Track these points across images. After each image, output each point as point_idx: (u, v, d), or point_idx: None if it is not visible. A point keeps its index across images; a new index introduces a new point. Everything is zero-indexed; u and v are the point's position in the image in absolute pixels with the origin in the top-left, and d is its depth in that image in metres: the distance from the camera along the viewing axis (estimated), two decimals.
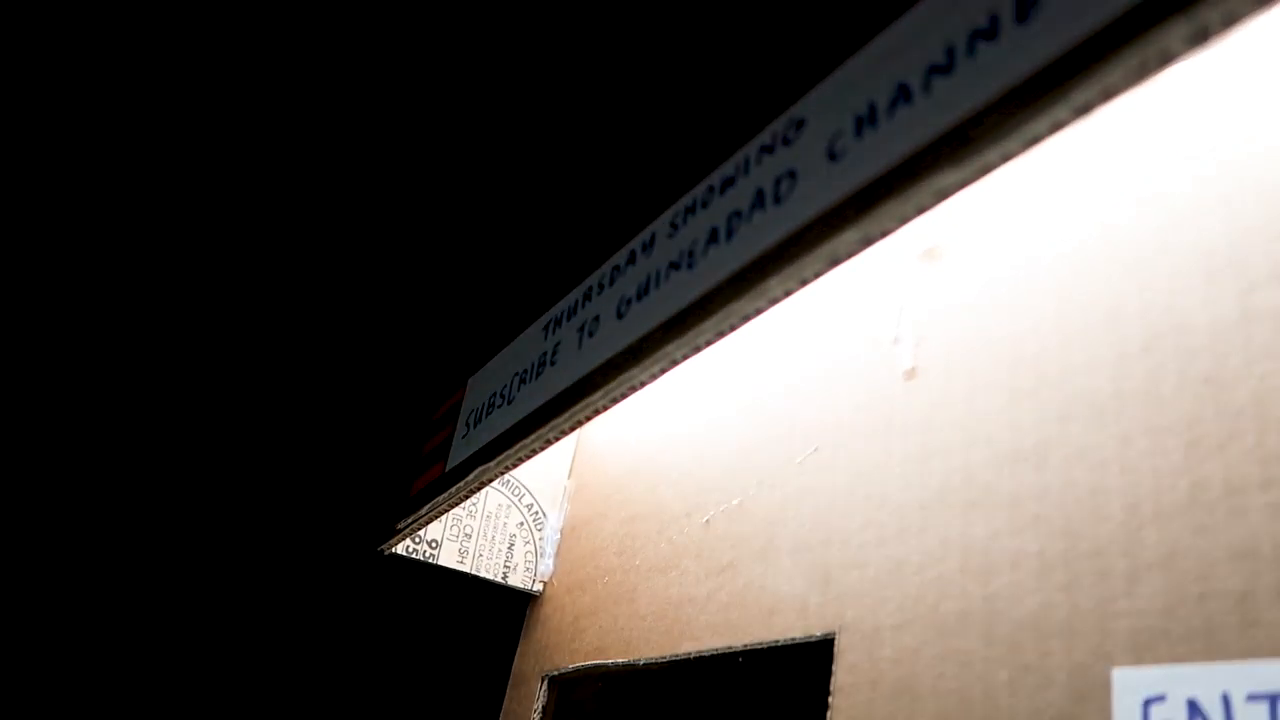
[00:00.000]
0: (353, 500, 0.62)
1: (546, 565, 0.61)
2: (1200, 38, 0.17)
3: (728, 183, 0.30)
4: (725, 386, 0.50)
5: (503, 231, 0.59)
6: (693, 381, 0.54)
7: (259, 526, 0.61)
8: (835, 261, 0.24)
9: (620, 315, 0.33)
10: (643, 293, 0.32)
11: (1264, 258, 0.27)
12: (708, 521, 0.47)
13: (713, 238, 0.29)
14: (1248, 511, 0.25)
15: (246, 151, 0.57)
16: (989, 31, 0.21)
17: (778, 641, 0.39)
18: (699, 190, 0.31)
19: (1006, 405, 0.33)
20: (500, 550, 0.60)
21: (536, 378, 0.38)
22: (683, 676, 0.46)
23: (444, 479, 0.45)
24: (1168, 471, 0.27)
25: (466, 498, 0.45)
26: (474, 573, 0.58)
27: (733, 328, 0.28)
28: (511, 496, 0.61)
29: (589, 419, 0.35)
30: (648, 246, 0.33)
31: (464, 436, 0.45)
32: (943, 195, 0.22)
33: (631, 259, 0.34)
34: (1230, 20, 0.17)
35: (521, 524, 0.61)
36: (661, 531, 0.50)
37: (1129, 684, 0.26)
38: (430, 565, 0.57)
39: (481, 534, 0.59)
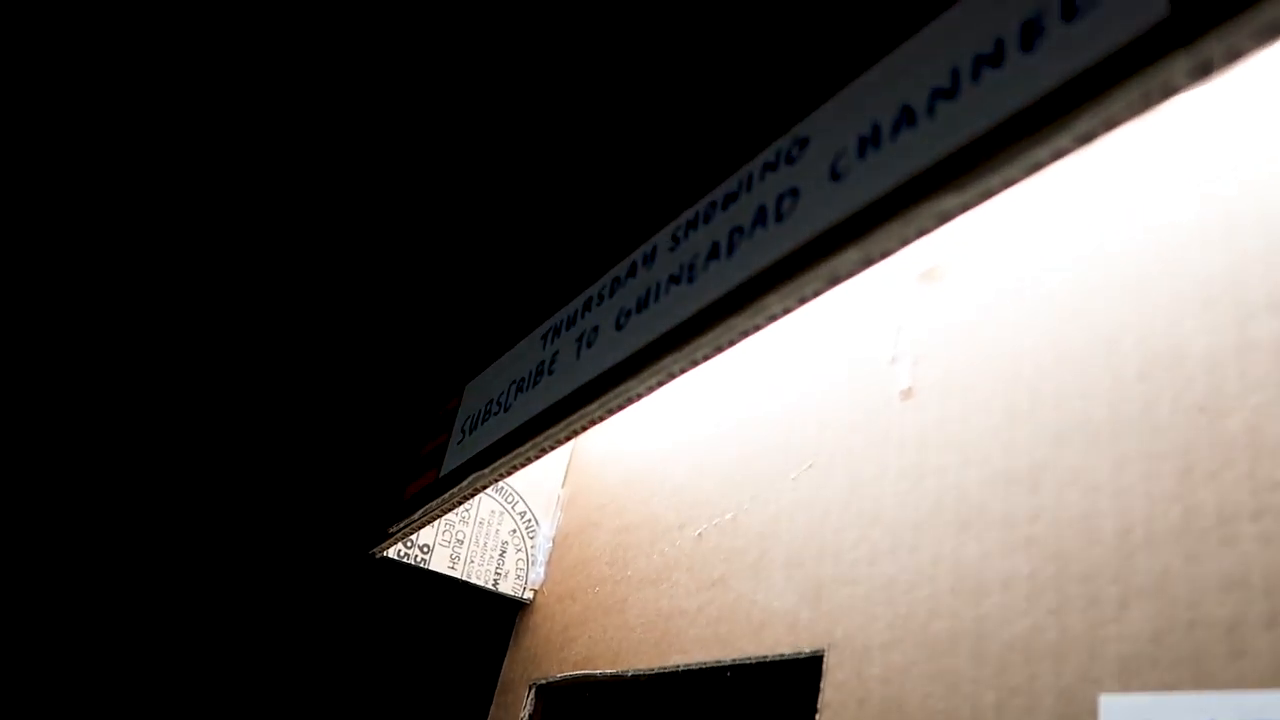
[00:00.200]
0: (345, 503, 0.62)
1: (537, 573, 0.61)
2: (1203, 71, 0.17)
3: (730, 198, 0.30)
4: (722, 401, 0.51)
5: (503, 239, 0.59)
6: (689, 395, 0.54)
7: (250, 528, 0.61)
8: (835, 280, 0.25)
9: (619, 327, 0.33)
10: (642, 305, 0.32)
11: (1261, 287, 0.27)
12: (700, 534, 0.47)
13: (714, 253, 0.29)
14: (1239, 540, 0.25)
15: (245, 158, 0.57)
16: (994, 58, 0.21)
17: (766, 657, 0.39)
18: (701, 205, 0.31)
19: (1002, 427, 0.33)
20: (492, 557, 0.60)
21: (533, 386, 0.39)
22: (671, 689, 0.46)
23: (437, 484, 0.45)
24: (1160, 498, 0.27)
25: (460, 504, 0.45)
26: (465, 579, 0.58)
27: (731, 343, 0.28)
28: (505, 504, 0.61)
29: (585, 429, 0.35)
30: (649, 259, 0.33)
31: (459, 443, 0.45)
32: (944, 218, 0.22)
33: (632, 271, 0.34)
34: (1233, 55, 0.17)
35: (514, 531, 0.61)
36: (654, 543, 0.50)
37: (1116, 711, 0.26)
38: (421, 570, 0.57)
39: (473, 540, 0.59)
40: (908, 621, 0.33)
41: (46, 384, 0.57)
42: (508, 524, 0.61)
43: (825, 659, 0.36)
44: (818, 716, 0.35)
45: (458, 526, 0.59)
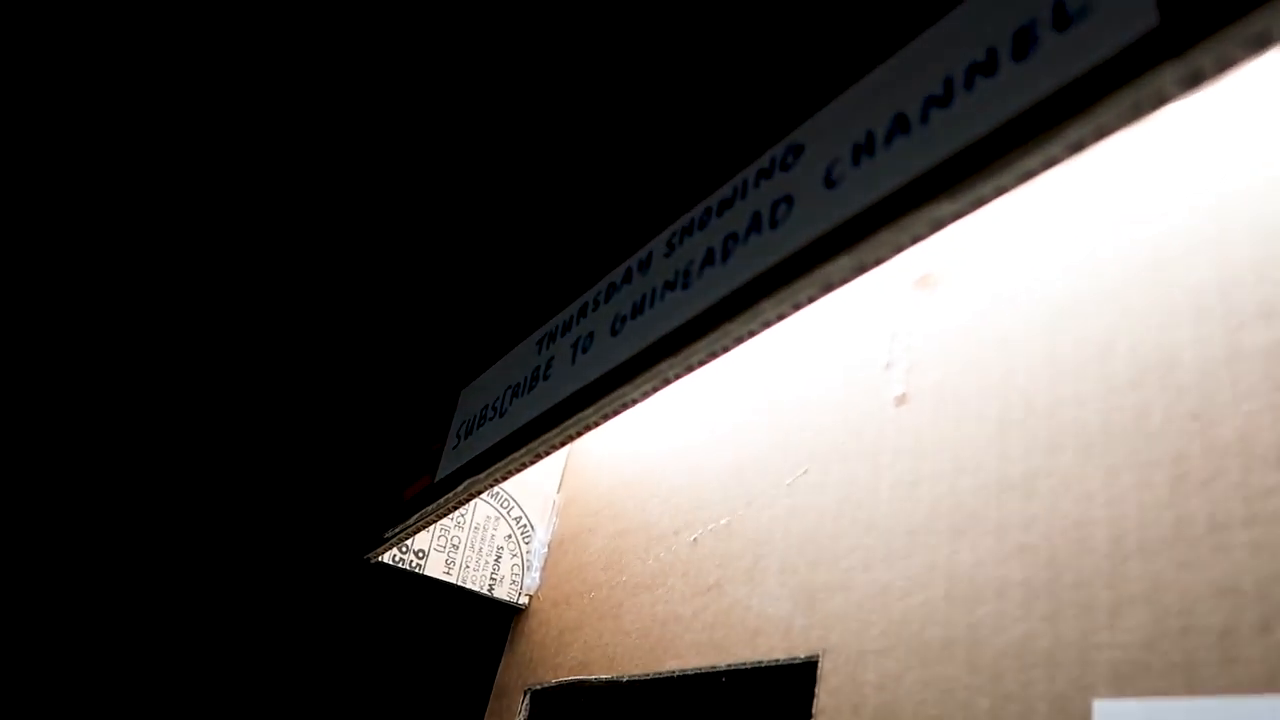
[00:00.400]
0: (340, 508, 0.62)
1: (533, 579, 0.61)
2: (1193, 81, 0.17)
3: (725, 205, 0.30)
4: (717, 406, 0.51)
5: (498, 245, 0.59)
6: (685, 400, 0.54)
7: (246, 533, 0.61)
8: (829, 287, 0.25)
9: (615, 332, 0.33)
10: (638, 311, 0.32)
11: (1252, 297, 0.27)
12: (695, 540, 0.47)
13: (709, 259, 0.29)
14: (1231, 548, 0.25)
15: (245, 163, 0.57)
16: (987, 67, 0.21)
17: (761, 662, 0.39)
18: (697, 211, 0.32)
19: (996, 434, 0.33)
20: (487, 562, 0.60)
21: (529, 391, 0.39)
22: (666, 695, 0.46)
23: (432, 489, 0.45)
24: (1153, 505, 0.27)
25: (455, 509, 0.45)
26: (460, 584, 0.58)
27: (726, 349, 0.28)
28: (500, 509, 0.61)
29: (580, 434, 0.35)
30: (644, 265, 0.33)
31: (454, 448, 0.45)
32: (937, 225, 0.22)
33: (628, 277, 0.34)
34: (1223, 65, 0.17)
35: (509, 536, 0.61)
36: (649, 548, 0.50)
37: (1110, 716, 0.26)
38: (416, 575, 0.57)
39: (469, 545, 0.59)
40: (902, 628, 0.33)
41: (44, 390, 0.57)
42: (503, 529, 0.61)
43: (820, 665, 0.36)
44: None
45: (453, 531, 0.59)
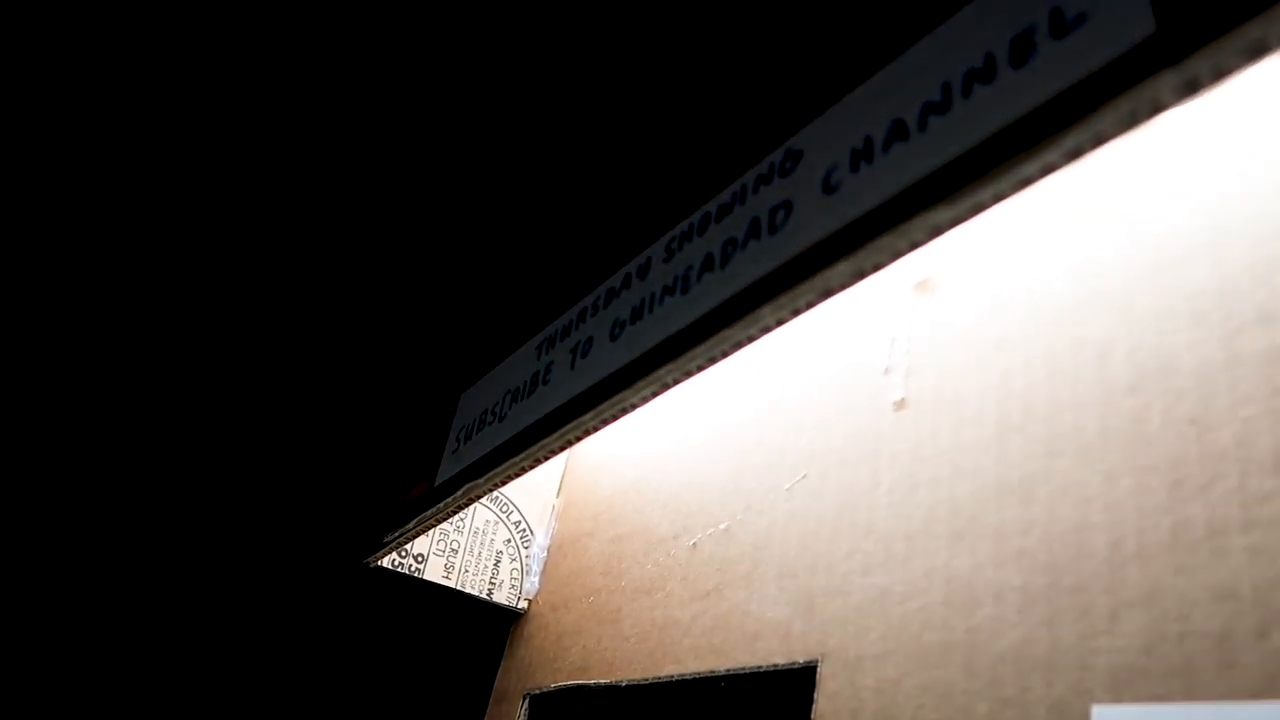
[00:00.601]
0: (339, 512, 0.62)
1: (532, 583, 0.61)
2: (1190, 88, 0.17)
3: (724, 210, 0.30)
4: (716, 411, 0.51)
5: (498, 249, 0.59)
6: (684, 405, 0.54)
7: (244, 537, 0.61)
8: (828, 293, 0.25)
9: (614, 337, 0.33)
10: (637, 316, 0.32)
11: (1250, 302, 0.27)
12: (694, 545, 0.47)
13: (708, 264, 0.29)
14: (1229, 553, 0.25)
15: (247, 167, 0.57)
16: (985, 74, 0.21)
17: (760, 667, 0.39)
18: (696, 217, 0.32)
19: (994, 439, 0.33)
20: (486, 566, 0.60)
21: (528, 396, 0.39)
22: (664, 699, 0.46)
23: (432, 493, 0.45)
24: (1151, 510, 0.27)
25: (454, 513, 0.45)
26: (459, 588, 0.58)
27: (725, 354, 0.28)
28: (499, 513, 0.61)
29: (579, 439, 0.35)
30: (643, 270, 0.33)
31: (453, 452, 0.45)
32: (935, 231, 0.22)
33: (627, 282, 0.34)
34: (1220, 73, 0.17)
35: (508, 541, 0.61)
36: (648, 553, 0.50)
37: None
38: (415, 579, 0.57)
39: (468, 550, 0.59)
40: (900, 633, 0.33)
41: (42, 391, 0.57)
42: (502, 533, 0.61)
43: (818, 669, 0.36)
44: None
45: (452, 536, 0.59)
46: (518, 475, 0.40)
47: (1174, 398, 0.28)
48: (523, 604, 0.60)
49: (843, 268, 0.24)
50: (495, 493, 0.60)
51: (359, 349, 0.65)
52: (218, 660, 0.58)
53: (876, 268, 0.23)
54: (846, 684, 0.35)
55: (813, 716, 0.35)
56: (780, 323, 0.26)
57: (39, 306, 0.57)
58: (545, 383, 0.38)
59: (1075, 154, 0.19)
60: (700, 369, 0.29)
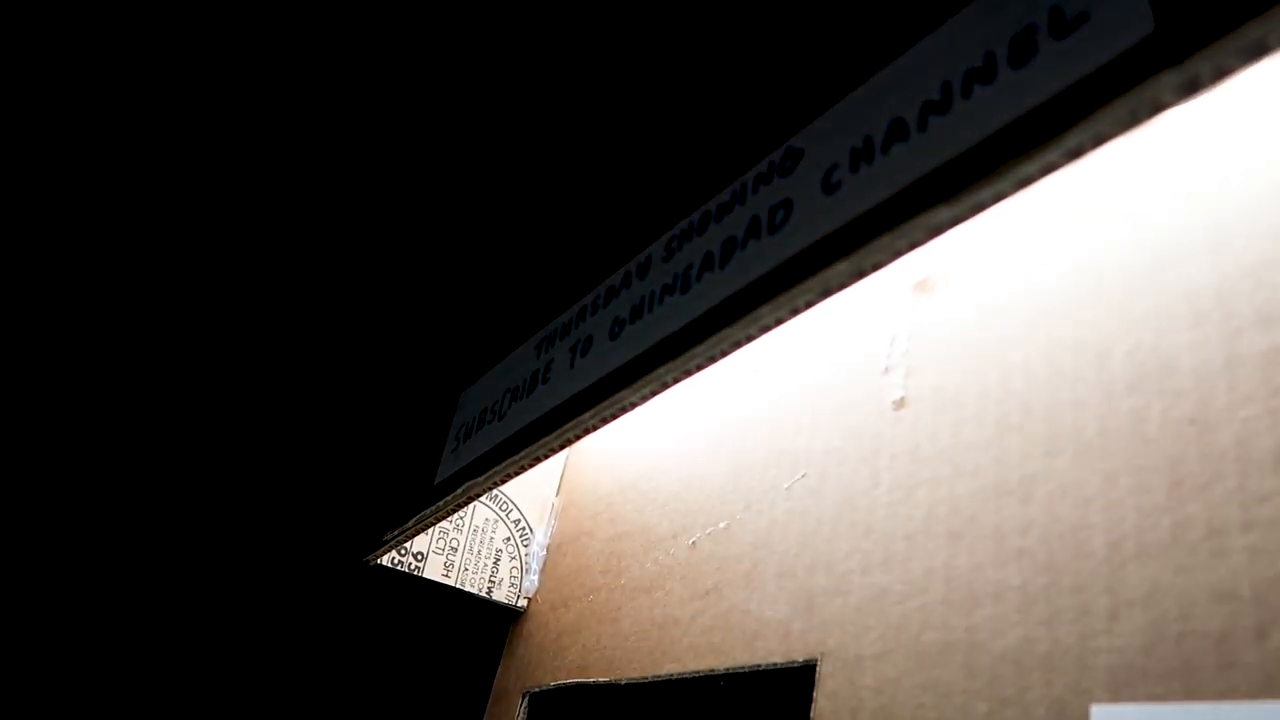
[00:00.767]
0: (338, 510, 0.62)
1: (531, 581, 0.61)
2: (1190, 88, 0.17)
3: (724, 210, 0.30)
4: (715, 410, 0.51)
5: (498, 248, 0.59)
6: (683, 404, 0.54)
7: (244, 535, 0.61)
8: (828, 292, 0.25)
9: (613, 336, 0.33)
10: (636, 315, 0.32)
11: (1250, 302, 0.27)
12: (694, 544, 0.47)
13: (707, 263, 0.29)
14: (1229, 553, 0.25)
15: (247, 164, 0.57)
16: (985, 73, 0.21)
17: (759, 666, 0.39)
18: (696, 216, 0.32)
19: (994, 439, 0.33)
20: (486, 565, 0.60)
21: (528, 395, 0.39)
22: (664, 698, 0.46)
23: (432, 492, 0.45)
24: (1150, 510, 0.27)
25: (453, 511, 0.45)
26: (459, 587, 0.58)
27: (724, 353, 0.28)
28: (499, 512, 0.61)
29: (579, 438, 0.35)
30: (643, 269, 0.33)
31: (453, 450, 0.45)
32: (935, 231, 0.22)
33: (626, 281, 0.34)
34: (1220, 73, 0.17)
35: (508, 539, 0.61)
36: (647, 552, 0.50)
37: None
38: (415, 578, 0.57)
39: (468, 548, 0.59)
40: (900, 632, 0.33)
41: (42, 388, 0.57)
42: (502, 532, 0.61)
43: (818, 668, 0.36)
44: None
45: (452, 534, 0.59)
46: (517, 474, 0.40)
47: (1173, 398, 0.28)
48: (522, 602, 0.60)
49: (842, 267, 0.24)
50: (495, 491, 0.60)
51: (360, 347, 0.65)
52: (217, 657, 0.58)
53: (876, 267, 0.23)
54: (846, 683, 0.35)
55: (812, 715, 0.35)
56: (780, 322, 0.26)
57: (42, 297, 0.57)
58: (545, 381, 0.37)
59: (1076, 154, 0.19)
60: (700, 368, 0.29)
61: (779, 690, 0.38)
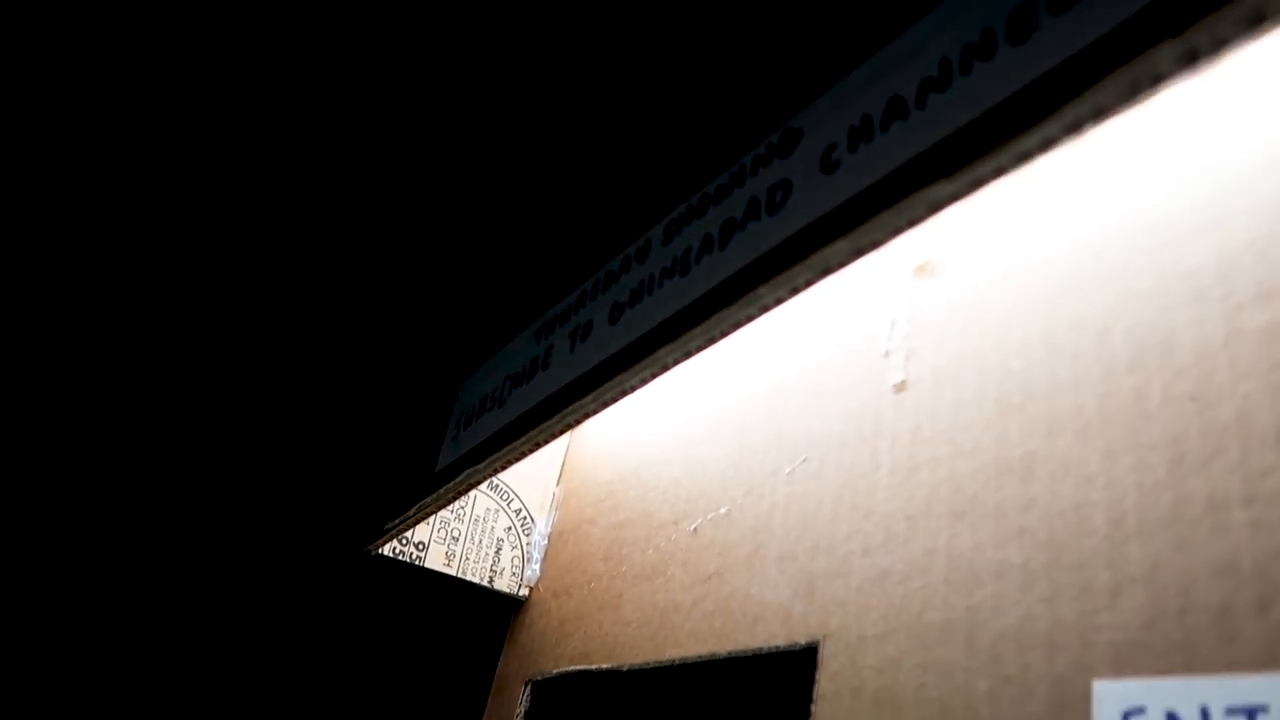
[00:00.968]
0: (339, 500, 0.62)
1: (533, 570, 0.61)
2: (1190, 60, 0.17)
3: (723, 191, 0.30)
4: (715, 395, 0.51)
5: (497, 235, 0.59)
6: (683, 389, 0.54)
7: (245, 525, 0.61)
8: (827, 271, 0.25)
9: (613, 320, 0.33)
10: (636, 298, 0.32)
11: (1250, 278, 0.27)
12: (695, 529, 0.47)
13: (707, 245, 0.29)
14: (1230, 528, 0.25)
15: (241, 157, 0.57)
16: (983, 49, 0.21)
17: (761, 649, 0.39)
18: (695, 198, 0.32)
19: (994, 419, 0.33)
20: (487, 554, 0.60)
21: (528, 381, 0.39)
22: (666, 683, 0.46)
23: (432, 480, 0.45)
24: (1151, 487, 0.27)
25: (454, 499, 0.45)
26: (460, 576, 0.58)
27: (724, 334, 0.28)
28: (500, 501, 0.61)
29: (579, 422, 0.35)
30: (642, 252, 0.33)
31: (454, 438, 0.45)
32: (935, 208, 0.22)
33: (626, 265, 0.34)
34: (1219, 44, 0.17)
35: (509, 528, 0.61)
36: (649, 538, 0.50)
37: (1109, 696, 0.26)
38: (416, 567, 0.57)
39: (469, 537, 0.59)
40: (901, 612, 0.34)
41: (41, 381, 0.56)
42: (503, 521, 0.61)
43: (820, 650, 0.36)
44: (813, 707, 0.35)
45: (453, 524, 0.59)
46: (518, 460, 0.40)
47: (1174, 375, 0.28)
48: (524, 591, 0.60)
49: (842, 245, 0.24)
50: (496, 480, 0.60)
51: (359, 336, 0.65)
52: (219, 648, 0.58)
53: (875, 246, 0.23)
54: (848, 664, 0.35)
55: (815, 697, 0.35)
56: (779, 302, 0.26)
57: (40, 294, 0.57)
58: (545, 367, 0.38)
59: (1076, 128, 0.19)
60: (700, 350, 0.29)
61: (781, 673, 0.38)
